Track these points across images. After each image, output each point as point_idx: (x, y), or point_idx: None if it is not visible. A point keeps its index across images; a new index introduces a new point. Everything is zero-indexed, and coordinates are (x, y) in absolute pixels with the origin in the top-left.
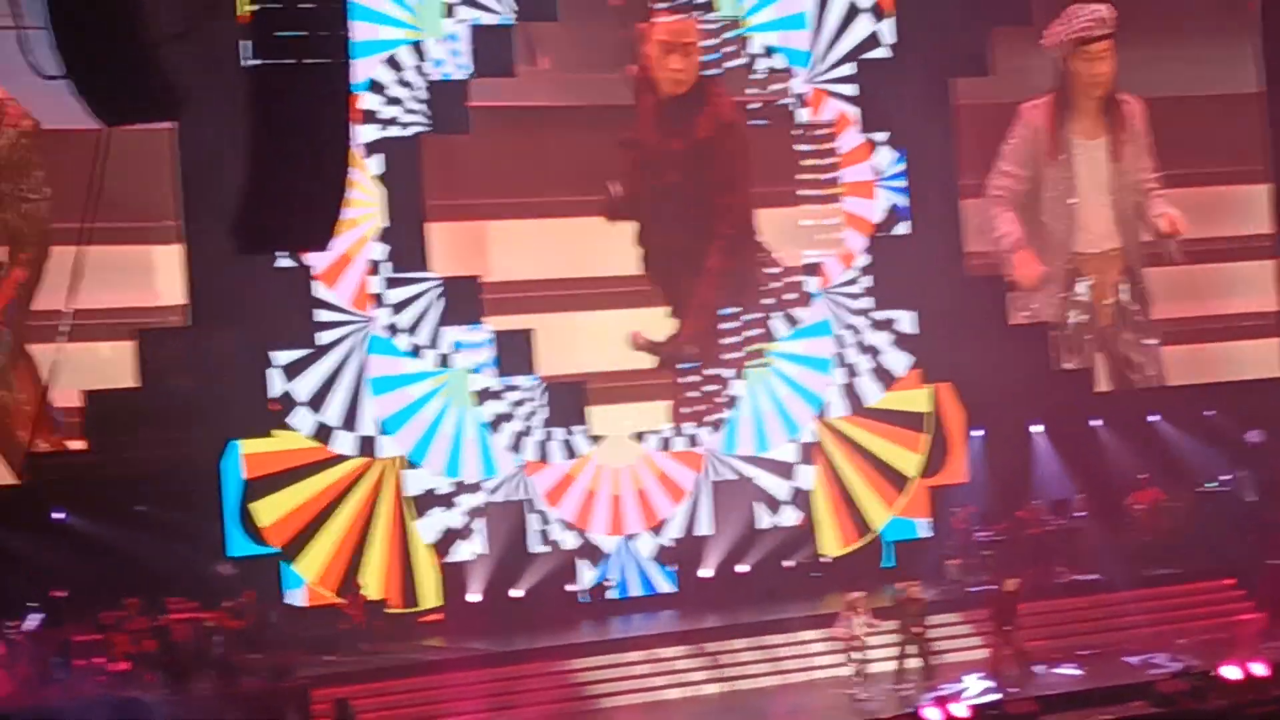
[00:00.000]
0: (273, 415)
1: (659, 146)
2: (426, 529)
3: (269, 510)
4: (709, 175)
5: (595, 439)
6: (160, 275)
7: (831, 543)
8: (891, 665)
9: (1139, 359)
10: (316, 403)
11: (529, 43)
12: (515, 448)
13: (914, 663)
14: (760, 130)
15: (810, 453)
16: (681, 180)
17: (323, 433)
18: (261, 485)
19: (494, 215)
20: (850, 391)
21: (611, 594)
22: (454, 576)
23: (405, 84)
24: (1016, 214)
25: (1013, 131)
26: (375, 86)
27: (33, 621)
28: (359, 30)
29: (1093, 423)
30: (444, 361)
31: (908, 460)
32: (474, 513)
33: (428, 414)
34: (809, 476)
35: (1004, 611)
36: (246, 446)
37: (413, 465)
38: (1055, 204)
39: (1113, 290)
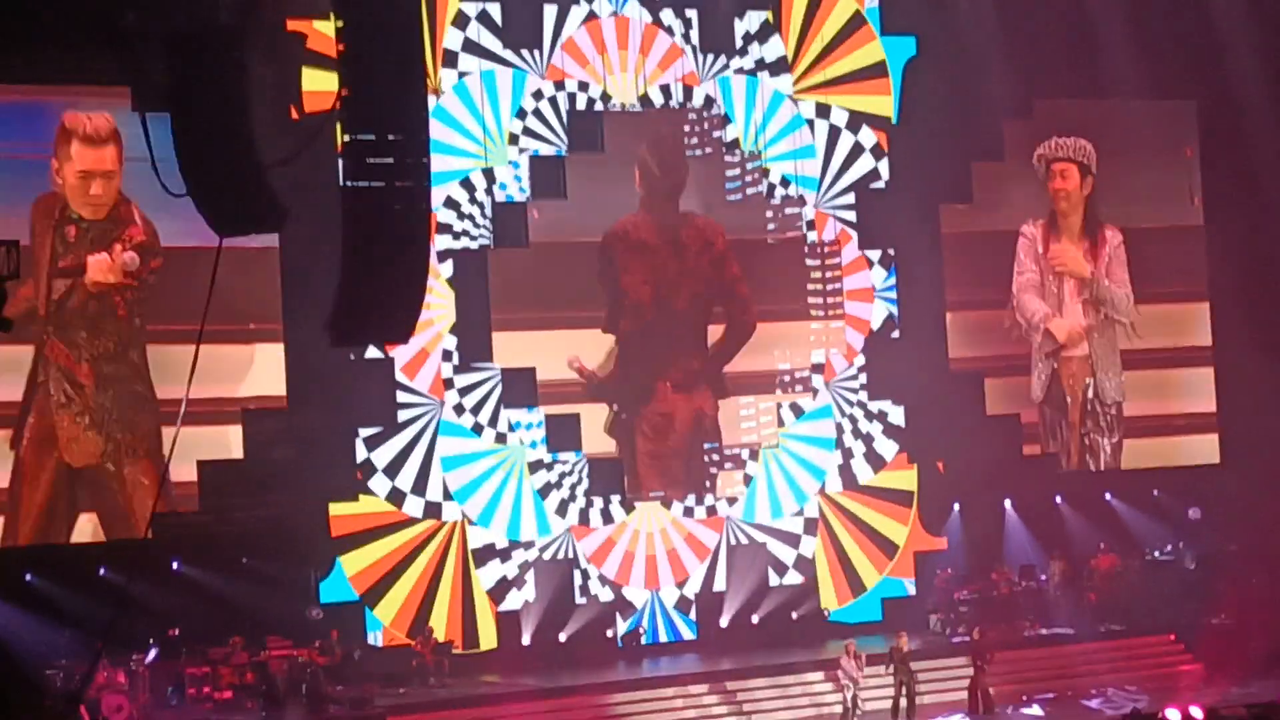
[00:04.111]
0: (358, 482)
1: (667, 264)
2: (486, 580)
3: (354, 563)
4: (717, 281)
5: (630, 507)
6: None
7: (830, 599)
8: (883, 702)
9: (1100, 449)
10: (394, 471)
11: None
12: (562, 512)
13: (904, 702)
14: (775, 247)
15: (813, 522)
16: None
17: (398, 498)
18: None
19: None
20: (849, 469)
21: (643, 639)
22: (509, 623)
23: (476, 203)
24: (1040, 296)
25: (1019, 244)
26: (450, 205)
27: (152, 655)
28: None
29: (1056, 499)
30: (504, 439)
31: (897, 532)
32: (526, 568)
33: (492, 483)
34: (812, 543)
35: (978, 652)
36: (336, 511)
37: (476, 525)
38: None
39: (1082, 387)
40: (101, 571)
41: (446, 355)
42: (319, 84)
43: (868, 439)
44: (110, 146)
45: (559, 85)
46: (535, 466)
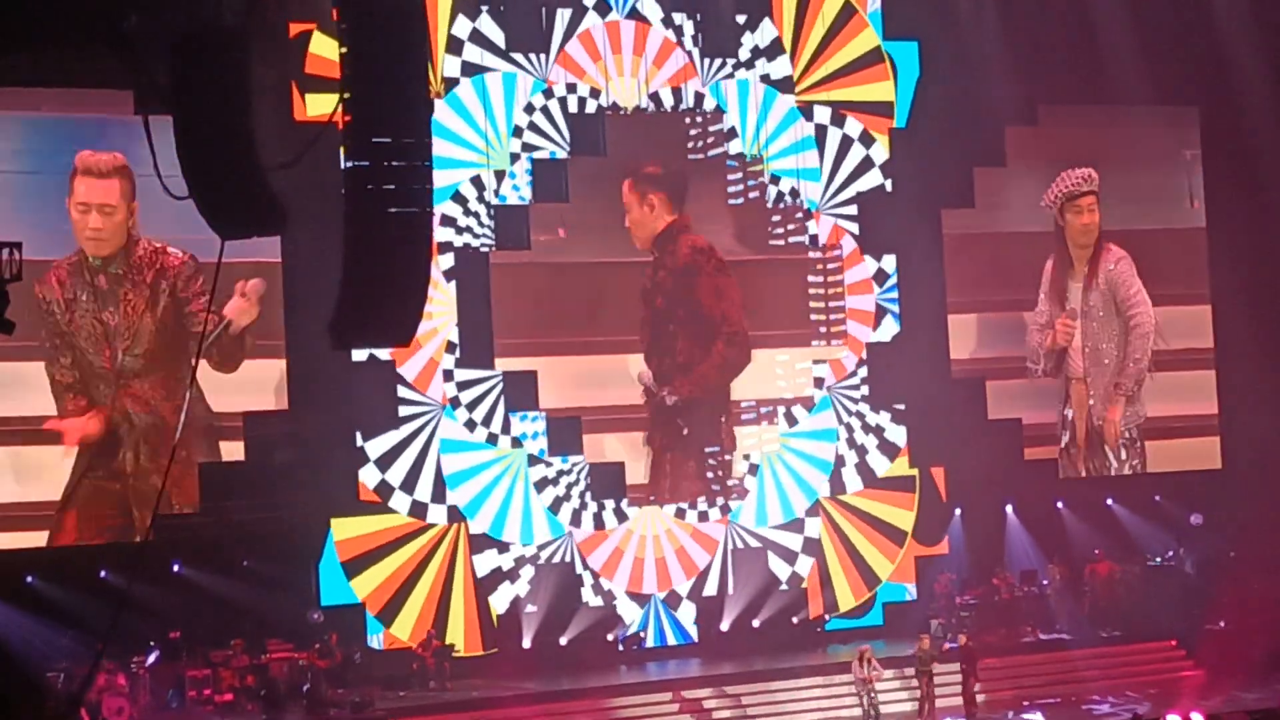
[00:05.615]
0: (357, 483)
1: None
2: (480, 569)
3: (366, 583)
4: (699, 291)
5: (630, 511)
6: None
7: (847, 598)
8: (897, 706)
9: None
10: (386, 469)
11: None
12: (555, 509)
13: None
14: (776, 270)
15: (813, 542)
16: (671, 303)
17: (392, 497)
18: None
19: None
20: (859, 470)
21: (646, 643)
22: (510, 626)
23: (483, 201)
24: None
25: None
26: (458, 199)
27: (152, 658)
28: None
29: (1057, 504)
30: (506, 441)
31: (904, 519)
32: (527, 569)
33: (491, 484)
34: (814, 546)
35: (967, 660)
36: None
37: (473, 524)
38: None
39: (1086, 412)
40: (102, 573)
41: (450, 347)
42: (321, 88)
43: (862, 450)
44: (113, 180)
45: (570, 88)
46: (533, 460)
